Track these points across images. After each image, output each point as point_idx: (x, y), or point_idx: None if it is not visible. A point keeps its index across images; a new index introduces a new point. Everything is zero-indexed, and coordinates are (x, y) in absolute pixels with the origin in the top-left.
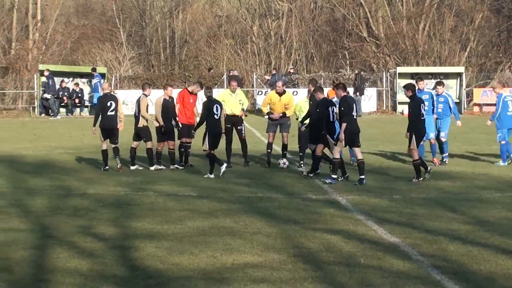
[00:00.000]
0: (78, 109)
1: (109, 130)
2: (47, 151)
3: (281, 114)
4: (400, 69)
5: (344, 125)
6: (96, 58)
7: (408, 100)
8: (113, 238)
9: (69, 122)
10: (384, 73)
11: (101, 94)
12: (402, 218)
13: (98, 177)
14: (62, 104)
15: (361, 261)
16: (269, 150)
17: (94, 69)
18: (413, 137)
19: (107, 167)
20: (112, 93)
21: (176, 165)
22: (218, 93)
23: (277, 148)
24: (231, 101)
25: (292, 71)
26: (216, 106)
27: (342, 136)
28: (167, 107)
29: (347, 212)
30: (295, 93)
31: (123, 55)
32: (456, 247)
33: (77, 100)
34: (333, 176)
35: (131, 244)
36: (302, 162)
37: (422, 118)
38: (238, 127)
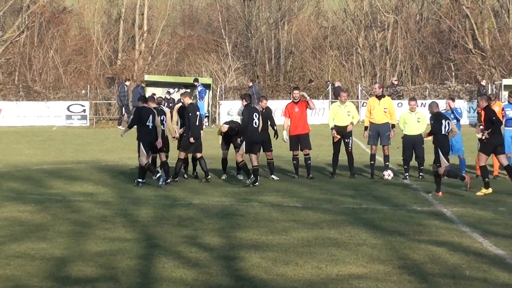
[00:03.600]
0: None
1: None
2: None
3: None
4: (506, 81)
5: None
6: (202, 69)
7: None
8: (218, 248)
9: None
10: (489, 85)
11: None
12: (508, 231)
13: (203, 187)
14: None
15: (466, 273)
16: (372, 162)
17: (196, 80)
18: (243, 143)
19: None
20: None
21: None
22: (330, 107)
23: (381, 159)
24: (339, 113)
25: (396, 82)
26: (163, 117)
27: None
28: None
29: (452, 224)
30: (399, 104)
31: (229, 66)
32: None
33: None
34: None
35: (236, 255)
36: (407, 174)
37: (255, 127)
38: (346, 140)
